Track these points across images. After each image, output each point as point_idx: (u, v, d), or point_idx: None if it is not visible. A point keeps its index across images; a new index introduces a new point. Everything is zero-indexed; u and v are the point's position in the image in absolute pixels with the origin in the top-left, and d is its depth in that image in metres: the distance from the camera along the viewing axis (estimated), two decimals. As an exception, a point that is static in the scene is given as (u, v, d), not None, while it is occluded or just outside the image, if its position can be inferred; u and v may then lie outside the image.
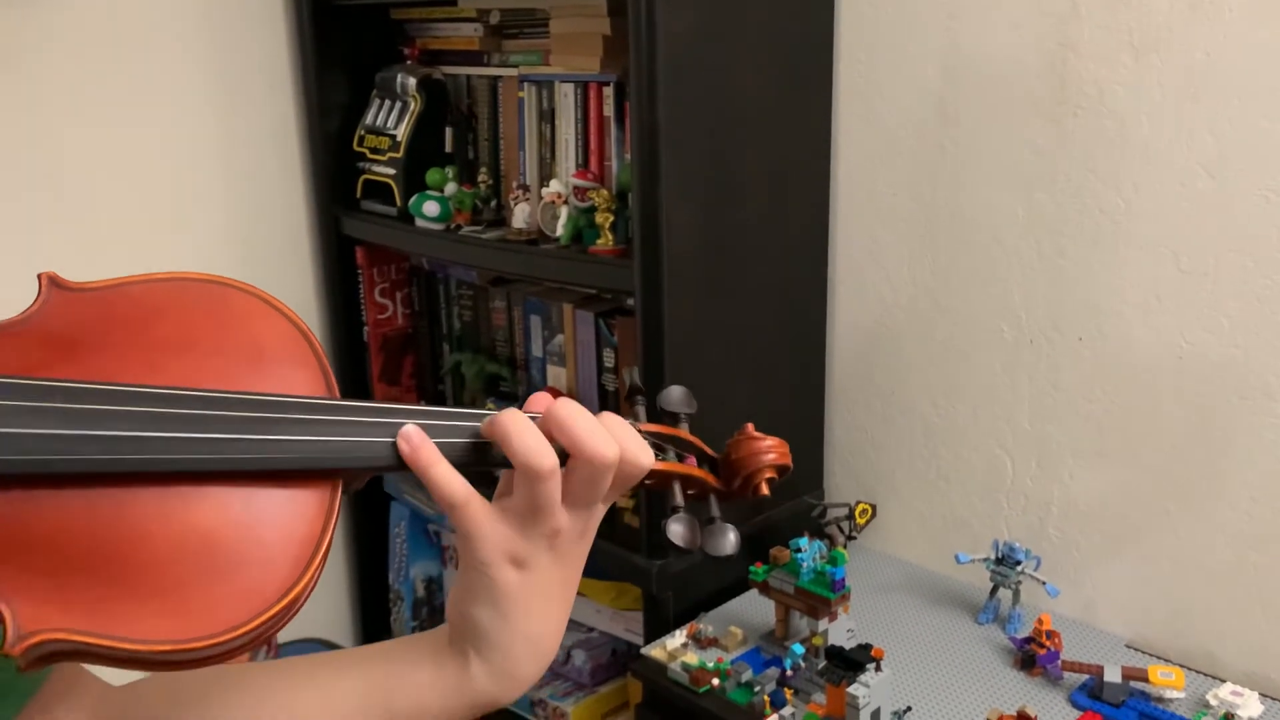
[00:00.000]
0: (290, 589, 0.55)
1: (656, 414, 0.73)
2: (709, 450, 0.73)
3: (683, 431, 0.73)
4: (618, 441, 0.62)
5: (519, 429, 0.60)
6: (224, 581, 0.54)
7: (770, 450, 0.72)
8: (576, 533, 0.64)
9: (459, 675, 0.66)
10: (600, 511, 0.65)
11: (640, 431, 0.68)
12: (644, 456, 0.64)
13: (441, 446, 0.61)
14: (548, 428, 0.61)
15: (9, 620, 0.50)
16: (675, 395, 0.74)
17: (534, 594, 0.64)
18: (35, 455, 0.53)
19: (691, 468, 0.71)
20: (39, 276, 0.63)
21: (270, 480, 0.57)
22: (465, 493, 0.61)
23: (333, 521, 0.58)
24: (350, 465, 0.59)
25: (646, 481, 0.68)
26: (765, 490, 0.71)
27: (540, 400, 0.65)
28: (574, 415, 0.61)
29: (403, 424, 0.61)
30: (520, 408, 0.64)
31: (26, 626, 0.50)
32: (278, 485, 0.57)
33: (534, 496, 0.61)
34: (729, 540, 0.67)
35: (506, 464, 0.62)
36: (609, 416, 0.64)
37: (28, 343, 0.59)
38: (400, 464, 0.60)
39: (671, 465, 0.69)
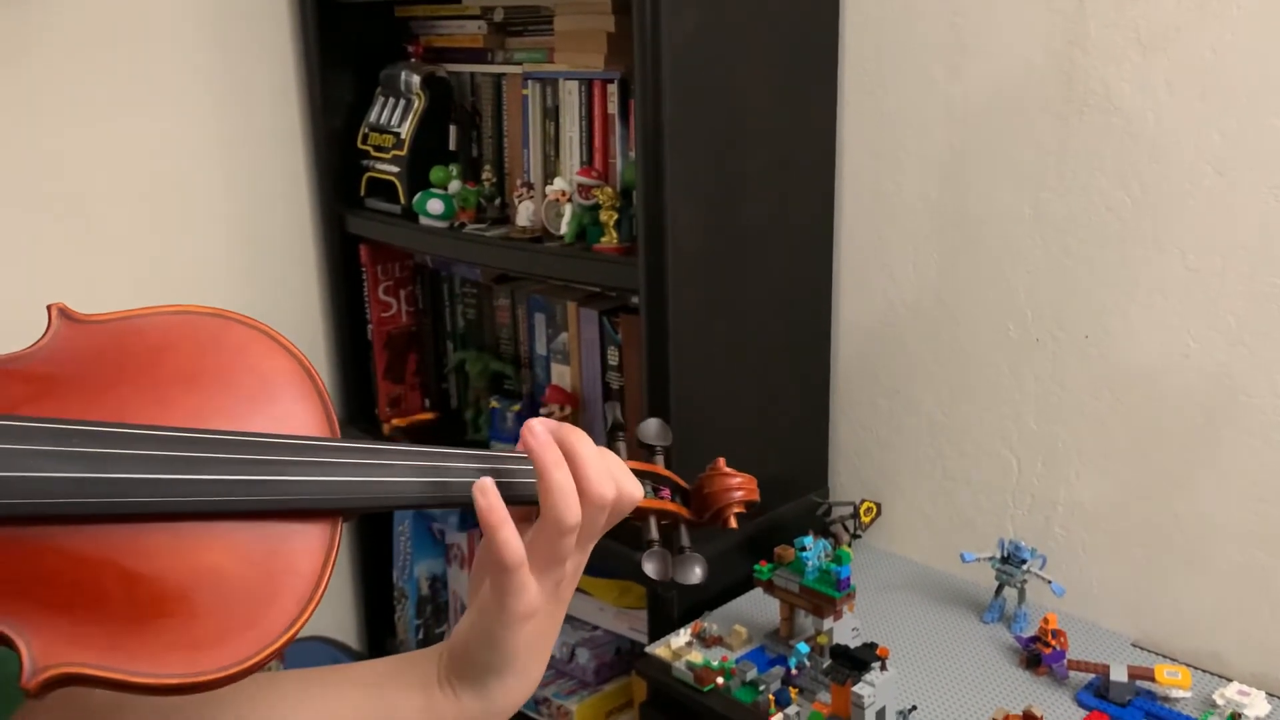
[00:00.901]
0: (294, 622, 0.58)
1: (634, 449, 0.78)
2: (682, 483, 0.79)
3: (658, 466, 0.78)
4: (615, 482, 0.66)
5: (564, 479, 0.63)
6: (232, 616, 0.57)
7: (739, 488, 0.77)
8: (574, 574, 0.68)
9: (452, 705, 0.69)
10: (590, 549, 0.69)
11: None
12: (638, 492, 0.68)
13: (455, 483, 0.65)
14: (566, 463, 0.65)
15: (25, 654, 0.52)
16: (652, 429, 0.80)
17: (538, 638, 0.68)
18: (52, 499, 0.55)
19: (667, 503, 0.77)
20: (48, 308, 0.65)
21: (277, 518, 0.60)
22: (521, 554, 0.64)
23: (334, 556, 0.61)
24: (356, 506, 0.62)
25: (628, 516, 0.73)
26: (734, 524, 0.77)
27: (539, 433, 0.66)
28: (590, 457, 0.64)
29: (419, 464, 0.64)
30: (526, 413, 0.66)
31: (42, 660, 0.52)
32: (284, 522, 0.60)
33: (557, 547, 0.64)
34: (695, 572, 0.74)
35: (523, 502, 0.66)
36: (606, 454, 0.67)
37: (38, 379, 0.61)
38: (395, 506, 0.64)
39: (650, 502, 0.75)
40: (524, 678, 0.69)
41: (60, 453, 0.56)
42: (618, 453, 0.74)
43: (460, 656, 0.69)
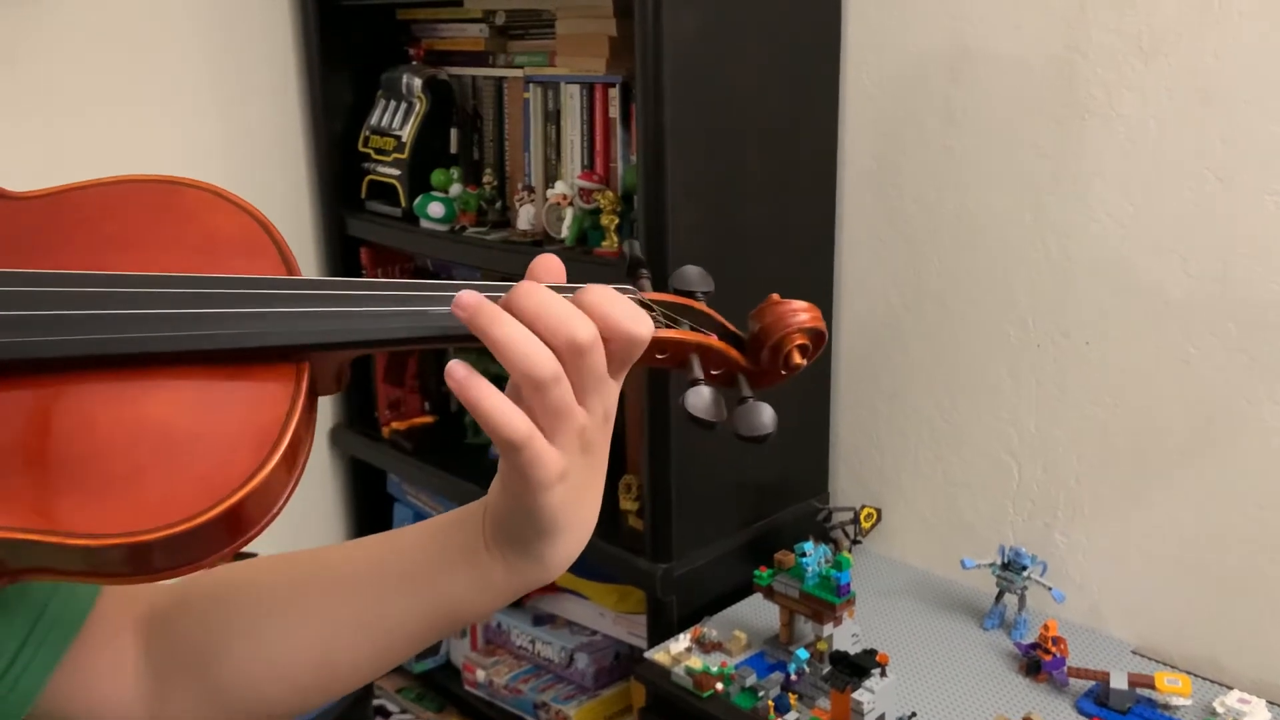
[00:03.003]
0: (253, 475, 0.51)
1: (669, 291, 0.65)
2: (731, 326, 0.64)
3: (699, 303, 0.64)
4: (600, 317, 0.55)
5: (509, 338, 0.54)
6: (180, 469, 0.51)
7: (800, 311, 0.62)
8: (599, 420, 0.58)
9: (503, 570, 0.63)
10: (615, 389, 0.58)
11: (647, 301, 0.61)
12: (635, 326, 0.56)
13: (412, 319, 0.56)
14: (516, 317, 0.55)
15: None
16: (691, 273, 0.66)
17: (576, 494, 0.59)
18: None
19: (709, 338, 0.62)
20: None
21: (228, 365, 0.54)
22: (527, 429, 0.55)
23: (299, 404, 0.53)
24: (315, 343, 0.55)
25: (659, 356, 0.60)
26: (799, 359, 0.62)
27: (466, 302, 0.55)
28: (541, 305, 0.55)
29: (366, 294, 0.57)
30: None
31: None
32: (237, 370, 0.54)
33: (548, 403, 0.55)
34: (765, 416, 0.58)
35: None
36: (590, 289, 0.57)
37: None
38: (359, 341, 0.57)
39: (685, 333, 0.61)
40: (575, 532, 0.61)
41: None
42: (640, 289, 0.63)
43: (500, 527, 0.62)
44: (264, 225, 0.61)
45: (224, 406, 0.53)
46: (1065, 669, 1.40)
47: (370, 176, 1.99)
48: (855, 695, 1.29)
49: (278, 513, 0.53)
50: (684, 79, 1.46)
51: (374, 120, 1.98)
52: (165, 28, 1.88)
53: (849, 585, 1.45)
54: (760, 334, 0.62)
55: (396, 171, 1.92)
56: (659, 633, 1.62)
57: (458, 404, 2.11)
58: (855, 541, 1.70)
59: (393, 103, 1.95)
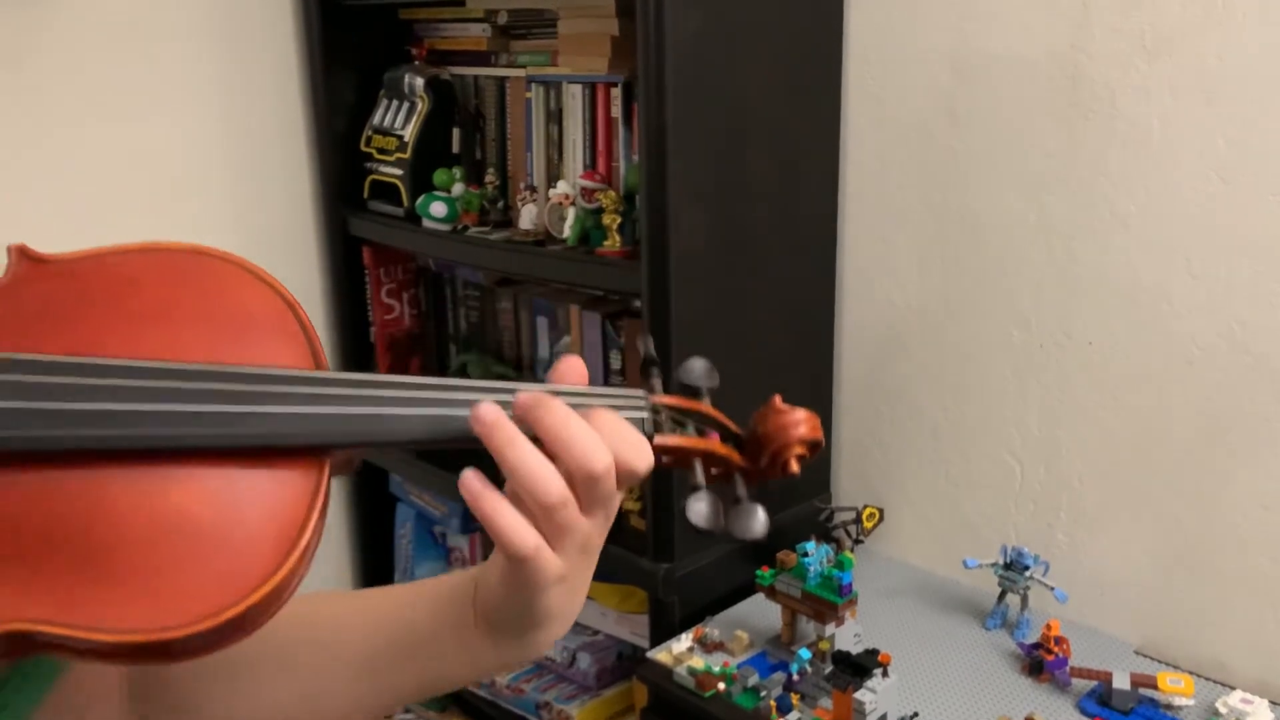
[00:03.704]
0: (274, 573, 0.51)
1: (675, 388, 0.68)
2: (733, 426, 0.68)
3: (704, 406, 0.67)
4: (611, 449, 0.57)
5: (522, 462, 0.56)
6: (202, 565, 0.51)
7: (801, 423, 0.66)
8: (600, 527, 0.60)
9: (492, 653, 0.65)
10: (617, 500, 0.61)
11: (657, 405, 0.64)
12: (640, 460, 0.59)
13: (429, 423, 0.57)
14: (533, 433, 0.57)
15: None
16: (696, 368, 0.69)
17: (571, 589, 0.62)
18: None
19: (713, 443, 0.65)
20: (9, 249, 0.60)
21: (252, 459, 0.54)
22: (535, 542, 0.57)
23: (320, 501, 0.54)
24: (339, 442, 0.56)
25: (663, 459, 0.63)
26: (795, 468, 0.65)
27: (485, 418, 0.57)
28: (561, 427, 0.57)
29: (390, 395, 0.57)
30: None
31: None
32: (260, 464, 0.54)
33: (555, 523, 0.57)
34: (758, 521, 0.62)
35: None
36: (601, 415, 0.59)
37: None
38: (381, 441, 0.57)
39: (690, 440, 0.64)
40: (562, 621, 0.63)
41: (5, 383, 0.51)
42: (651, 389, 0.66)
43: (492, 614, 0.64)
44: (290, 305, 0.61)
45: (248, 500, 0.53)
46: (1068, 669, 1.40)
47: (372, 176, 1.99)
48: (857, 695, 1.29)
49: (290, 597, 0.53)
50: (686, 78, 1.46)
51: (376, 120, 1.98)
52: (167, 28, 1.88)
53: (851, 585, 1.45)
54: (761, 439, 0.66)
55: (399, 171, 1.92)
56: (661, 633, 1.62)
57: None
58: (857, 541, 1.70)
59: (395, 102, 1.95)
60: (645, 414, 0.64)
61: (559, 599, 0.61)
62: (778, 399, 0.68)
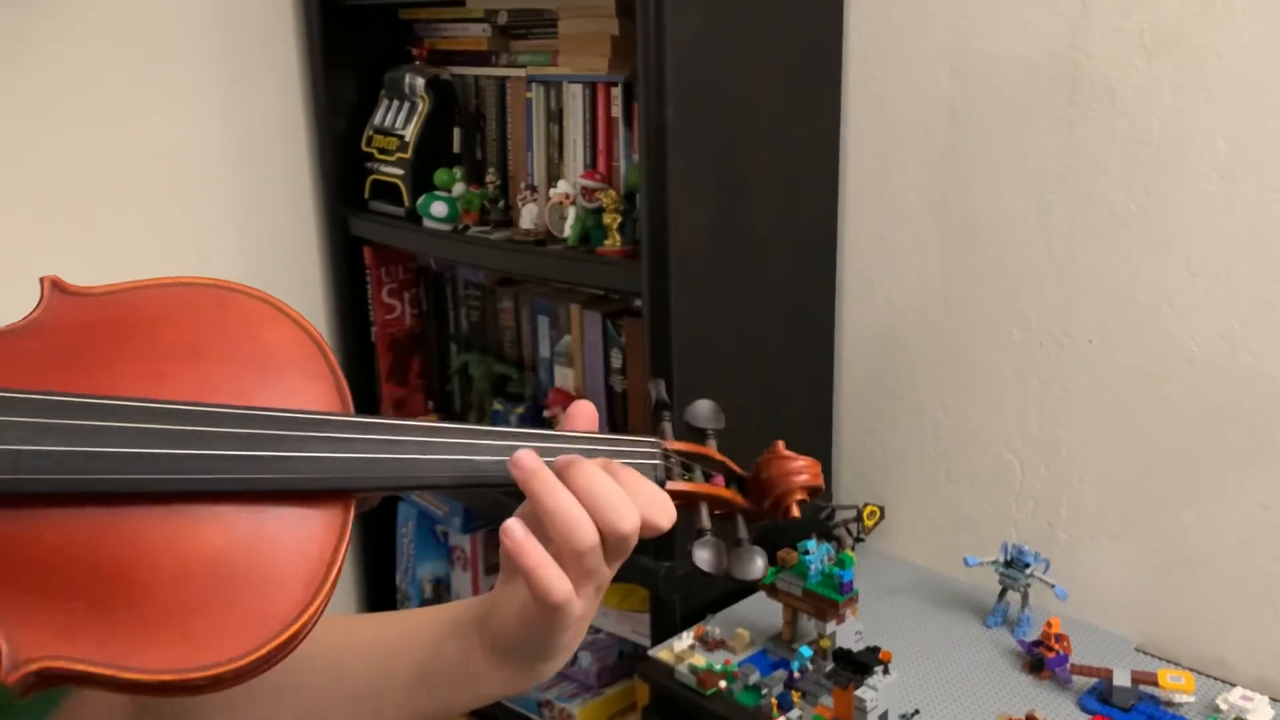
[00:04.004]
0: (302, 613, 0.52)
1: (682, 429, 0.71)
2: (737, 469, 0.71)
3: (710, 450, 0.71)
4: (639, 510, 0.60)
5: (561, 509, 0.58)
6: (232, 606, 0.52)
7: (803, 471, 0.70)
8: (613, 571, 0.63)
9: (496, 681, 0.67)
10: (632, 546, 0.64)
11: (667, 450, 0.67)
12: (665, 520, 0.62)
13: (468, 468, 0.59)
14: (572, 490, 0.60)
15: (3, 647, 0.48)
16: (703, 411, 0.73)
17: (581, 625, 0.64)
18: (33, 475, 0.50)
19: (719, 489, 0.69)
20: (41, 280, 0.61)
21: (281, 500, 0.55)
22: (569, 591, 0.59)
23: (345, 542, 0.55)
24: (368, 486, 0.57)
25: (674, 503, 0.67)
26: (796, 513, 0.69)
27: (524, 464, 0.60)
28: (598, 489, 0.59)
29: (419, 440, 0.59)
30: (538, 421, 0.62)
31: (22, 654, 0.48)
32: (289, 505, 0.55)
33: (584, 566, 0.60)
34: (756, 565, 0.66)
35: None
36: (629, 476, 0.61)
37: (27, 351, 0.57)
38: (408, 486, 0.59)
39: (699, 486, 0.67)
40: (569, 653, 0.66)
41: (42, 425, 0.51)
42: (662, 434, 0.69)
43: (503, 645, 0.65)
44: (318, 344, 0.62)
45: (276, 539, 0.54)
46: (1068, 666, 1.41)
47: (373, 176, 1.99)
48: (858, 693, 1.30)
49: (311, 632, 0.54)
50: (686, 78, 1.46)
51: (377, 120, 1.98)
52: (168, 28, 1.88)
53: (852, 583, 1.45)
54: (764, 485, 0.70)
55: (399, 171, 1.92)
56: (662, 631, 1.62)
57: (461, 404, 2.11)
58: (858, 539, 1.70)
59: (395, 102, 1.95)
60: (659, 461, 0.66)
61: (573, 636, 0.64)
62: (780, 445, 0.71)
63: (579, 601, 0.60)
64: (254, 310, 0.62)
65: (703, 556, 0.64)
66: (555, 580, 0.59)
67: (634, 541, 0.61)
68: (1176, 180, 1.41)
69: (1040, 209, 1.54)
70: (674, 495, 0.65)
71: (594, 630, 1.92)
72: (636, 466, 0.64)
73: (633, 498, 0.60)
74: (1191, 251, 1.41)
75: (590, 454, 0.62)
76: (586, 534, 0.58)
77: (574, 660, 1.88)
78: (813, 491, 0.70)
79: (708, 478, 0.70)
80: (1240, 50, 1.33)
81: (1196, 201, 1.40)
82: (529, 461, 0.59)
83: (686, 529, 0.66)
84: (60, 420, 0.52)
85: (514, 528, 0.58)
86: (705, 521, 0.66)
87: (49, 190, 1.79)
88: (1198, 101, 1.38)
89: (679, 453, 0.69)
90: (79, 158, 1.81)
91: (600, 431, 0.66)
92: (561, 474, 0.59)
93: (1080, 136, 1.48)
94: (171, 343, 0.59)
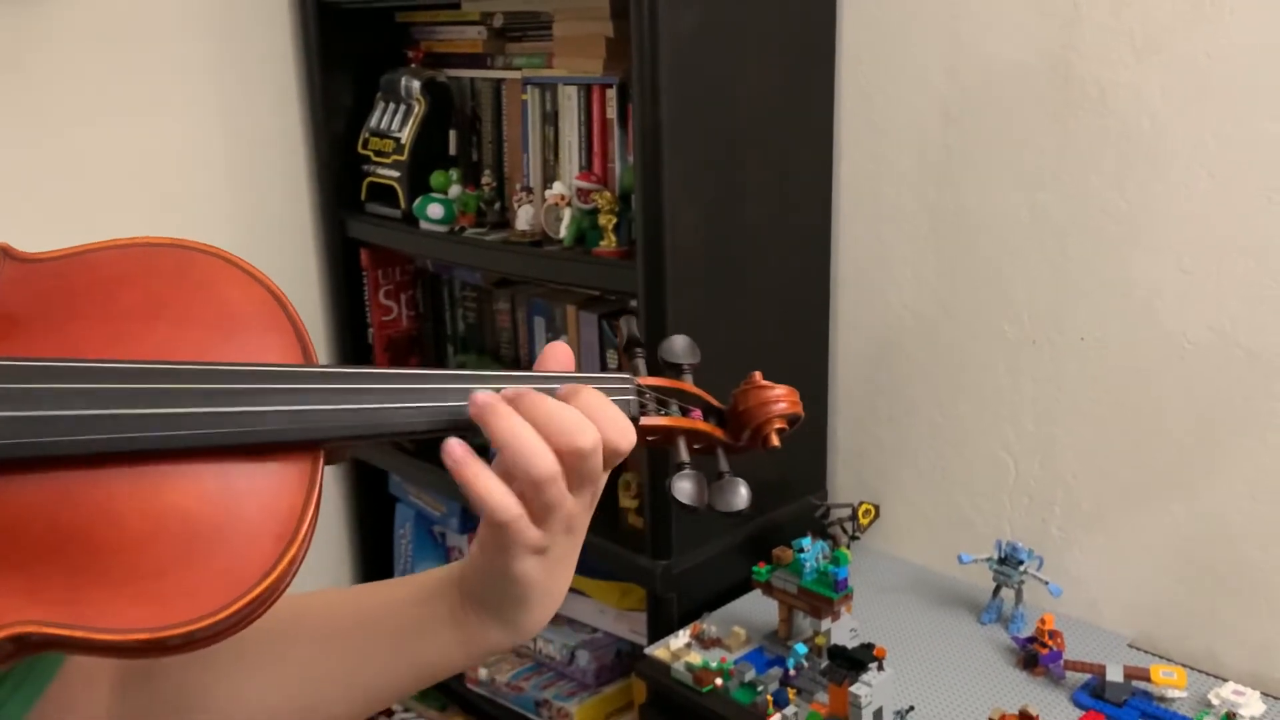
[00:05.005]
0: (274, 567, 0.52)
1: (658, 366, 0.70)
2: (715, 402, 0.70)
3: (686, 384, 0.69)
4: (597, 426, 0.59)
5: (515, 435, 0.57)
6: (203, 563, 0.51)
7: (780, 399, 0.69)
8: (585, 505, 0.62)
9: (479, 634, 0.67)
10: (603, 479, 0.63)
11: (641, 386, 0.66)
12: (624, 441, 0.60)
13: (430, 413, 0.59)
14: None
15: None
16: (678, 345, 0.71)
17: (551, 567, 0.63)
18: None
19: (696, 421, 0.67)
20: None
21: (247, 455, 0.54)
22: (517, 511, 0.59)
23: (315, 494, 0.55)
24: (333, 435, 0.57)
25: (649, 438, 0.65)
26: (775, 441, 0.68)
27: (479, 399, 0.59)
28: (552, 412, 0.58)
29: (382, 388, 0.58)
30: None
31: None
32: (256, 459, 0.54)
33: (543, 498, 0.59)
34: (740, 495, 0.64)
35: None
36: (587, 395, 0.60)
37: None
38: (375, 434, 0.58)
39: (675, 420, 0.66)
40: (546, 601, 0.65)
41: (1, 391, 0.51)
42: (634, 370, 0.68)
43: (475, 592, 0.66)
44: (277, 297, 0.61)
45: (244, 495, 0.54)
46: (1062, 662, 1.41)
47: (370, 178, 2.00)
48: (853, 689, 1.30)
49: (287, 588, 0.54)
50: (680, 79, 1.47)
51: (373, 122, 1.99)
52: (165, 31, 1.89)
53: (847, 580, 1.46)
54: (742, 416, 0.69)
55: (396, 173, 1.93)
56: (659, 629, 1.63)
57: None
58: (853, 537, 1.71)
59: (392, 105, 1.96)
60: (632, 396, 0.65)
61: (537, 571, 0.62)
62: (758, 375, 0.70)
63: (534, 527, 0.60)
64: (212, 267, 0.61)
65: (683, 488, 0.62)
66: (498, 494, 0.58)
67: (596, 464, 0.59)
68: (1167, 179, 1.42)
69: (1033, 208, 1.55)
70: (650, 430, 0.65)
71: (591, 629, 1.92)
72: None
73: (590, 417, 0.59)
74: (1182, 249, 1.42)
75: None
76: (542, 460, 0.57)
77: (571, 659, 1.89)
78: (792, 420, 0.69)
79: (685, 413, 0.68)
80: (1229, 50, 1.34)
81: (1187, 199, 1.41)
82: (483, 396, 0.58)
83: (666, 469, 0.65)
84: (20, 385, 0.52)
85: (453, 444, 0.57)
86: (684, 455, 0.65)
87: (48, 190, 1.80)
88: (1187, 101, 1.38)
89: (653, 388, 0.67)
90: (75, 159, 1.82)
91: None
92: (514, 404, 0.58)
93: (1072, 136, 1.49)
94: (129, 304, 0.58)
